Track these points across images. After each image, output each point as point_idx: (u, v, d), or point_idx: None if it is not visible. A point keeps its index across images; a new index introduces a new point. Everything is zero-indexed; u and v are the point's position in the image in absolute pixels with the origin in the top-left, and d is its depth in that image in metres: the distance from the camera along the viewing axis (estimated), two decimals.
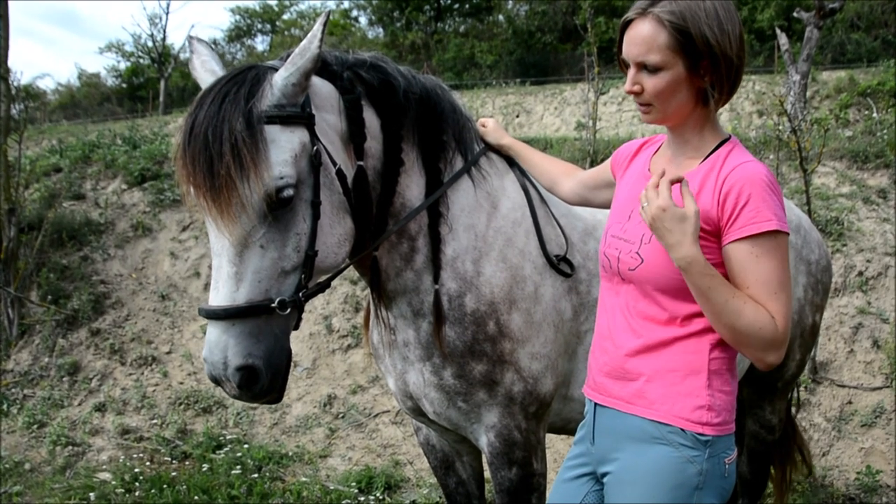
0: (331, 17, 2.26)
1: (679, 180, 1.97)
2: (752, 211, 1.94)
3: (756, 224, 1.94)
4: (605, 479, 2.21)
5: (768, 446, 4.10)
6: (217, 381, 2.18)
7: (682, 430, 2.05)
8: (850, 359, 6.82)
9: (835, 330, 6.98)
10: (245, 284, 2.14)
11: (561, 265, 2.84)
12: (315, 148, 2.25)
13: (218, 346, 2.13)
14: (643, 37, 2.04)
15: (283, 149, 2.17)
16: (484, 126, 3.01)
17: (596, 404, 2.26)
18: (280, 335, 2.22)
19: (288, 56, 2.29)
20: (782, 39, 15.03)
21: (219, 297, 2.15)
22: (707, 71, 2.04)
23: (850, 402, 6.52)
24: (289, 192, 2.15)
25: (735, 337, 1.97)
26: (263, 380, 2.17)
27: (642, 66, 2.06)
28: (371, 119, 2.53)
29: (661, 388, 2.09)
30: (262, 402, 2.28)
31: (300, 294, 2.24)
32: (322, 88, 2.39)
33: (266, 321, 2.17)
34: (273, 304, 2.16)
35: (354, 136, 2.46)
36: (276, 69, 2.25)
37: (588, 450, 2.28)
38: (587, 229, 3.04)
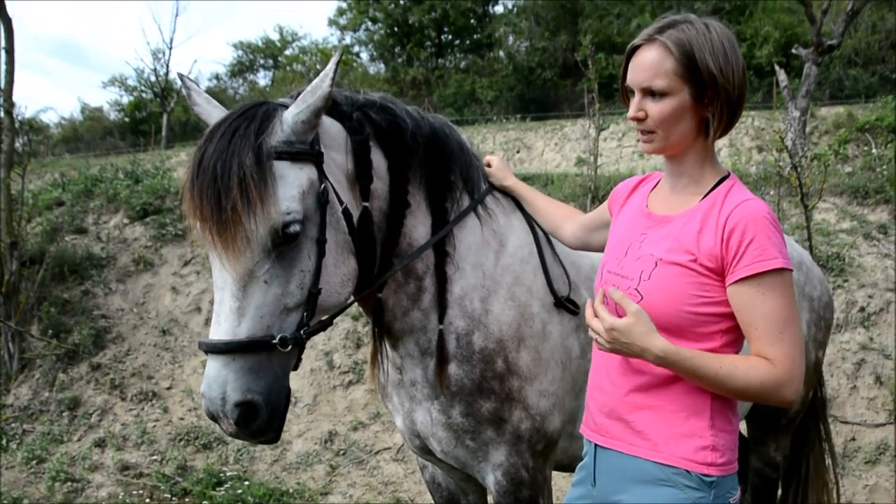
0: (343, 57, 2.29)
1: (610, 293, 2.05)
2: (758, 249, 1.94)
3: (762, 262, 1.94)
4: None
5: (772, 484, 4.07)
6: (214, 417, 2.16)
7: (688, 471, 2.03)
8: (853, 395, 6.79)
9: (837, 366, 6.95)
10: (247, 319, 2.13)
11: (566, 304, 2.83)
12: (323, 186, 2.25)
13: (217, 381, 2.11)
14: (650, 62, 2.04)
15: (291, 185, 2.17)
16: (489, 165, 3.01)
17: (597, 445, 2.23)
18: (280, 373, 2.20)
19: (299, 94, 2.30)
20: (781, 76, 15.15)
21: (220, 331, 2.13)
22: (710, 101, 2.04)
23: (853, 439, 6.48)
24: (295, 227, 2.15)
25: (742, 398, 2.04)
26: (262, 417, 2.15)
27: (648, 92, 2.06)
28: (378, 160, 2.53)
29: (664, 428, 2.07)
30: (259, 441, 2.25)
31: (301, 331, 2.22)
32: (331, 128, 2.41)
33: (267, 358, 2.15)
34: (274, 341, 2.15)
35: (361, 177, 2.46)
36: (286, 106, 2.27)
37: (589, 492, 2.25)
38: (594, 266, 3.03)
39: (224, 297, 2.16)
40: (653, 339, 1.95)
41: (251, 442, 2.31)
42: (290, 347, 2.19)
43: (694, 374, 1.96)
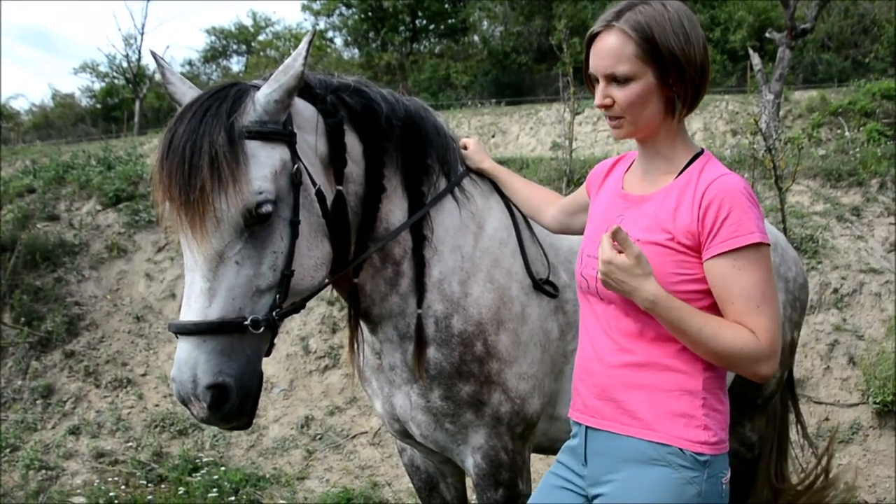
0: (315, 39, 2.26)
1: (616, 231, 1.96)
2: (734, 224, 1.94)
3: (739, 237, 1.94)
4: (595, 501, 2.16)
5: (748, 464, 4.08)
6: (185, 401, 2.13)
7: (682, 450, 2.02)
8: (826, 375, 6.86)
9: (811, 347, 7.02)
10: (218, 300, 2.11)
11: (545, 287, 2.82)
12: (295, 166, 2.23)
13: (188, 363, 2.09)
14: (610, 48, 2.04)
15: (263, 164, 2.15)
16: (465, 147, 2.98)
17: (588, 428, 2.21)
18: (252, 357, 2.18)
19: (271, 75, 2.28)
20: (755, 59, 15.23)
21: (190, 312, 2.11)
22: (675, 81, 2.04)
23: (826, 419, 6.55)
24: (267, 207, 2.13)
25: (719, 360, 2.00)
26: (234, 400, 2.12)
27: (612, 79, 2.06)
28: (353, 143, 2.51)
29: (656, 408, 2.06)
30: (231, 426, 2.23)
31: (274, 313, 2.20)
32: (304, 110, 2.38)
33: (238, 340, 2.13)
34: (246, 322, 2.12)
35: (335, 160, 2.44)
36: (258, 87, 2.24)
37: (580, 469, 2.23)
38: (573, 248, 3.02)
39: (195, 279, 2.14)
40: (647, 282, 1.93)
41: (223, 427, 2.28)
42: (262, 329, 2.16)
43: (679, 325, 1.95)
